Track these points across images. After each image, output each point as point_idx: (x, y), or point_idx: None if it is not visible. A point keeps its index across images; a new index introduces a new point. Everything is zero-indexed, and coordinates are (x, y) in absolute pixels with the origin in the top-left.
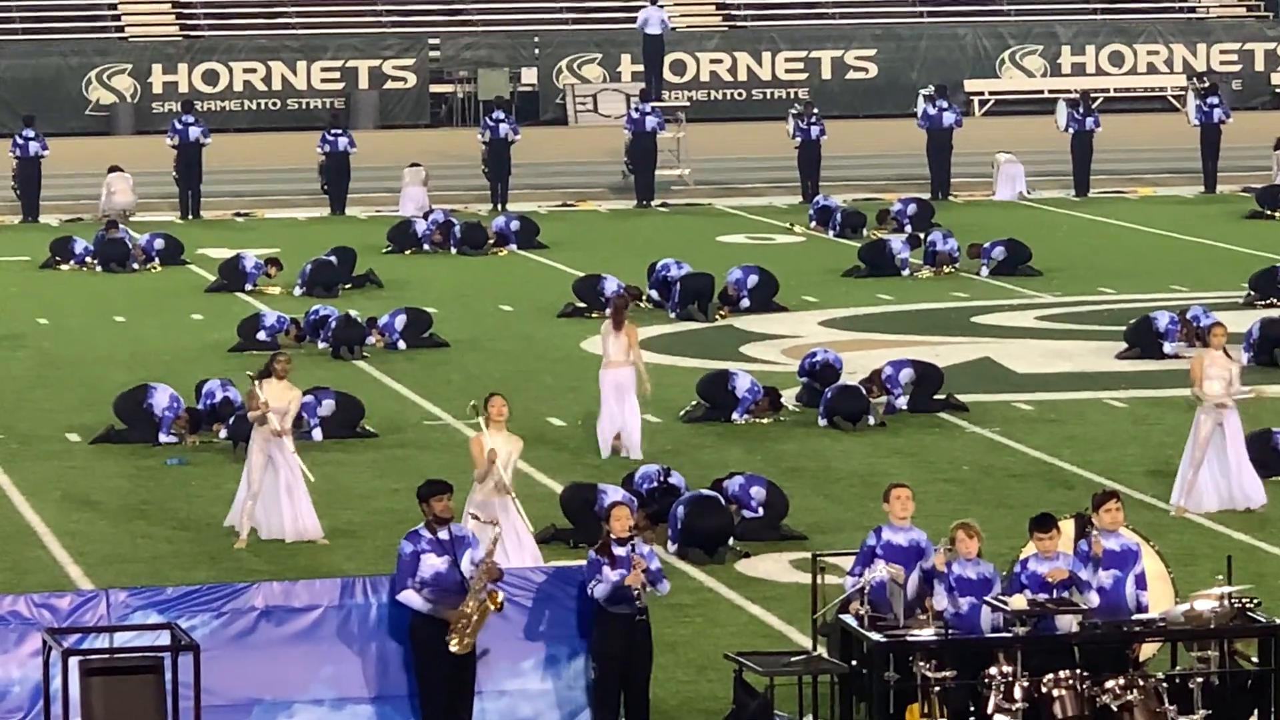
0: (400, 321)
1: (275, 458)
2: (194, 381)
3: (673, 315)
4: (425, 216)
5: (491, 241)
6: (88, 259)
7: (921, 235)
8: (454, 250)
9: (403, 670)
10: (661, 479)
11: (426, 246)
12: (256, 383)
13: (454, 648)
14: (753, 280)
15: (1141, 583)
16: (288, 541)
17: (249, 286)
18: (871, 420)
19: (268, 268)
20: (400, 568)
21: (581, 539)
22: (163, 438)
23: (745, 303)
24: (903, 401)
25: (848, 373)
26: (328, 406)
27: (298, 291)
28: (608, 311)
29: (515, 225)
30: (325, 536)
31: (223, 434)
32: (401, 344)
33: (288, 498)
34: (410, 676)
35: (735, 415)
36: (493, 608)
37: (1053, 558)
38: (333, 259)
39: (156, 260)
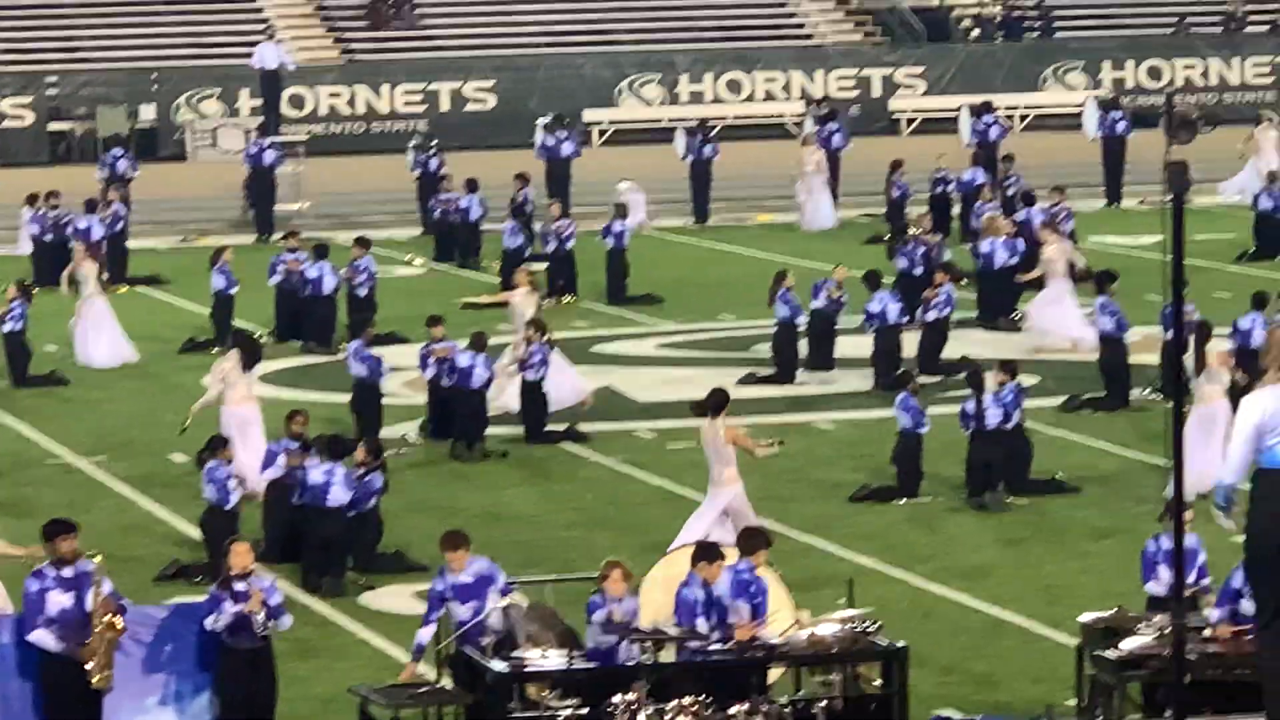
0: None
1: None
2: None
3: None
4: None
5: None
6: None
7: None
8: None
9: (30, 711)
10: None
11: None
12: None
13: (96, 682)
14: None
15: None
16: None
17: None
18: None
19: None
20: (28, 607)
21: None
22: None
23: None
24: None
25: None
26: None
27: None
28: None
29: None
30: None
31: None
32: None
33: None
34: (37, 717)
35: None
36: (113, 634)
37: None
38: None
39: None
